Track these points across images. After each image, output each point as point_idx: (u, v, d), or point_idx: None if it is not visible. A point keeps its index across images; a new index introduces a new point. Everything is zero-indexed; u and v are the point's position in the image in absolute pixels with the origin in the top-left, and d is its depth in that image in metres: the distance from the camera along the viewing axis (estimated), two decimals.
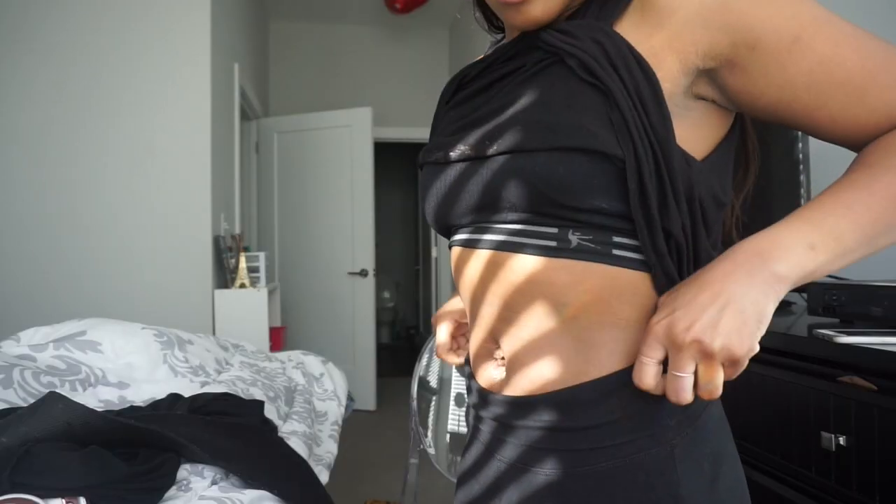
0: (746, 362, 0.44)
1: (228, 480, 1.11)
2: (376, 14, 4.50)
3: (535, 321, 0.53)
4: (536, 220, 0.52)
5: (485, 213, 0.55)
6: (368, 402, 3.92)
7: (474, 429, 0.63)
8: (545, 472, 0.53)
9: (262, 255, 3.03)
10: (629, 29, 0.51)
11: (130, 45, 2.64)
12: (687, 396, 0.44)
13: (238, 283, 2.80)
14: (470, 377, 0.64)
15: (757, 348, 0.43)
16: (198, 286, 2.70)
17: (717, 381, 0.43)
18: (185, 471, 1.10)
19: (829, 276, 1.32)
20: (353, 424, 3.32)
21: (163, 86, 2.67)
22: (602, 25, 0.51)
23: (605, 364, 0.51)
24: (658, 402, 0.49)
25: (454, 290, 0.70)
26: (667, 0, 0.49)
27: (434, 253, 4.88)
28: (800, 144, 1.24)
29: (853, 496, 0.84)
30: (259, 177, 4.17)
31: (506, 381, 0.57)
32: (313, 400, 1.94)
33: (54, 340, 1.60)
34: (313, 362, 2.22)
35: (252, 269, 2.96)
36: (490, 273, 0.56)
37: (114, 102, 2.63)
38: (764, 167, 1.42)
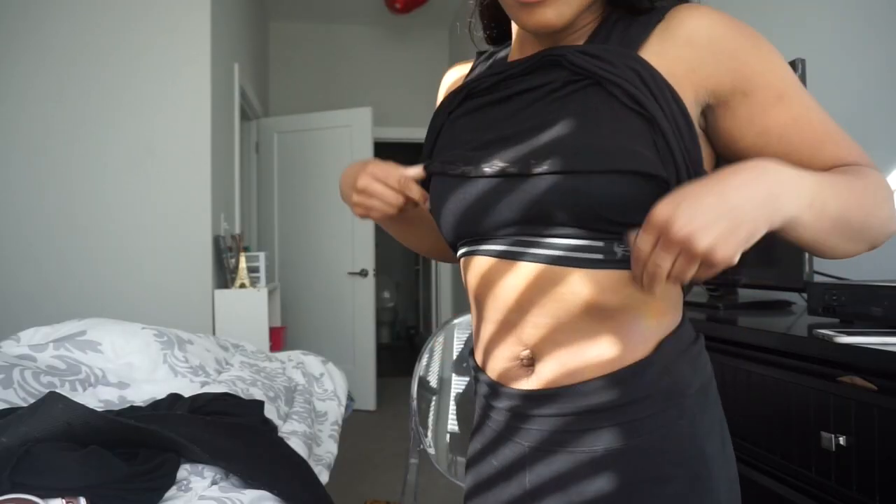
0: (719, 269, 0.47)
1: (228, 480, 1.11)
2: (376, 14, 4.49)
3: (574, 325, 0.58)
4: (585, 235, 0.56)
5: (527, 228, 0.58)
6: (368, 402, 3.92)
7: (485, 417, 0.68)
8: (583, 449, 0.59)
9: (262, 255, 3.03)
10: (653, 56, 0.56)
11: (130, 45, 2.64)
12: (659, 285, 0.48)
13: (238, 283, 2.80)
14: (476, 370, 0.70)
15: (735, 262, 0.47)
16: (198, 286, 2.70)
17: (687, 274, 0.47)
18: (185, 471, 1.10)
19: (830, 276, 1.32)
20: (353, 424, 3.32)
21: (163, 86, 2.67)
22: (633, 54, 0.56)
23: (638, 350, 0.58)
24: (681, 377, 0.59)
25: (465, 294, 0.71)
26: (688, 35, 0.57)
27: None
28: None
29: (853, 496, 0.84)
30: (259, 177, 4.17)
31: (533, 378, 0.61)
32: (313, 400, 1.94)
33: (54, 340, 1.60)
34: (313, 362, 2.22)
35: (252, 269, 2.96)
36: (533, 284, 0.59)
37: (114, 102, 2.63)
38: None
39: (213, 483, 1.10)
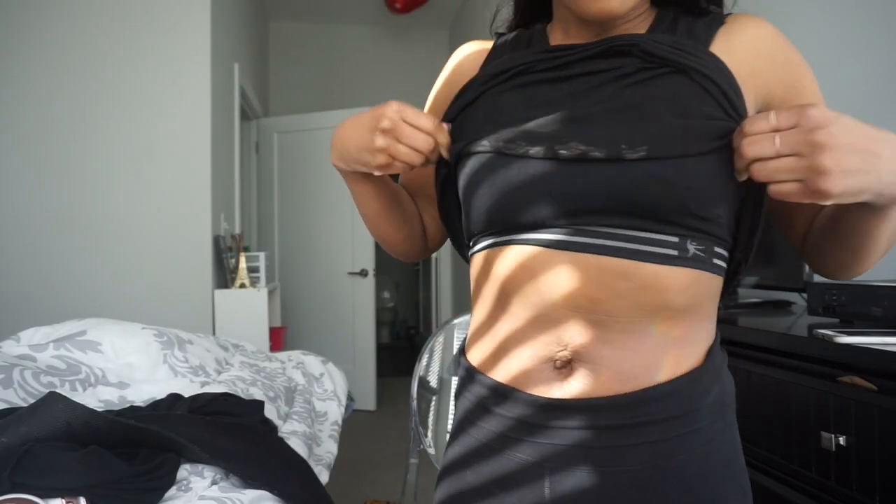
0: (816, 199, 0.47)
1: (228, 480, 1.11)
2: (376, 14, 4.49)
3: (632, 325, 0.53)
4: (659, 229, 0.53)
5: (596, 217, 0.53)
6: (368, 402, 3.92)
7: (471, 424, 0.62)
8: (622, 468, 0.54)
9: (262, 255, 3.03)
10: (721, 55, 0.57)
11: (130, 45, 2.64)
12: (761, 171, 0.48)
13: (238, 283, 2.80)
14: (472, 371, 0.63)
15: (834, 199, 0.46)
16: (198, 286, 2.70)
17: (789, 184, 0.47)
18: (185, 471, 1.10)
19: None
20: (353, 424, 3.32)
21: (163, 86, 2.67)
22: (709, 51, 0.57)
23: (693, 356, 0.56)
24: (726, 385, 0.60)
25: (468, 290, 0.66)
26: (753, 41, 0.58)
27: (434, 253, 4.88)
28: None
29: (853, 496, 0.84)
30: (259, 177, 4.17)
31: (569, 383, 0.55)
32: (313, 400, 1.94)
33: (54, 340, 1.60)
34: (313, 362, 2.22)
35: (252, 269, 2.96)
36: (592, 277, 0.53)
37: (114, 102, 2.63)
38: None
39: (213, 483, 1.10)
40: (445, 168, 0.65)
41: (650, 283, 0.53)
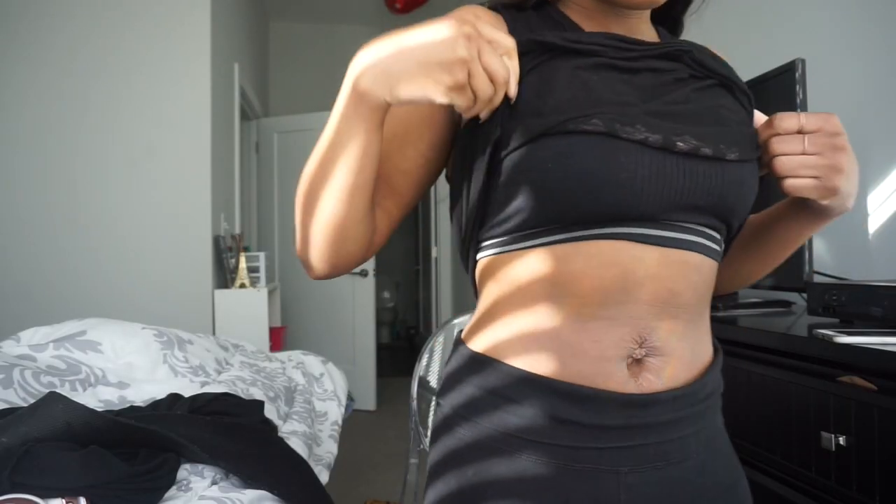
0: (825, 197, 0.56)
1: (228, 480, 1.11)
2: (376, 14, 4.49)
3: (693, 318, 0.57)
4: (718, 226, 0.57)
5: (687, 213, 0.54)
6: (368, 402, 3.92)
7: (530, 444, 0.54)
8: (687, 463, 0.55)
9: (262, 255, 3.03)
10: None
11: (130, 45, 2.64)
12: (803, 179, 0.55)
13: (238, 283, 2.80)
14: (532, 381, 0.54)
15: (840, 194, 0.56)
16: (198, 286, 2.70)
17: (812, 175, 0.55)
18: (185, 471, 1.10)
19: (830, 277, 1.32)
20: (353, 424, 3.32)
21: (163, 86, 2.67)
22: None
23: (711, 345, 0.60)
24: (721, 374, 0.61)
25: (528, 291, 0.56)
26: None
27: (434, 253, 4.88)
28: None
29: (853, 496, 0.84)
30: (259, 177, 4.17)
31: (647, 377, 0.54)
32: (313, 400, 1.94)
33: (54, 340, 1.60)
34: (313, 362, 2.22)
35: (252, 269, 2.96)
36: (679, 273, 0.54)
37: (114, 102, 2.63)
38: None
39: (213, 483, 1.10)
40: (499, 133, 0.52)
41: (710, 276, 0.58)
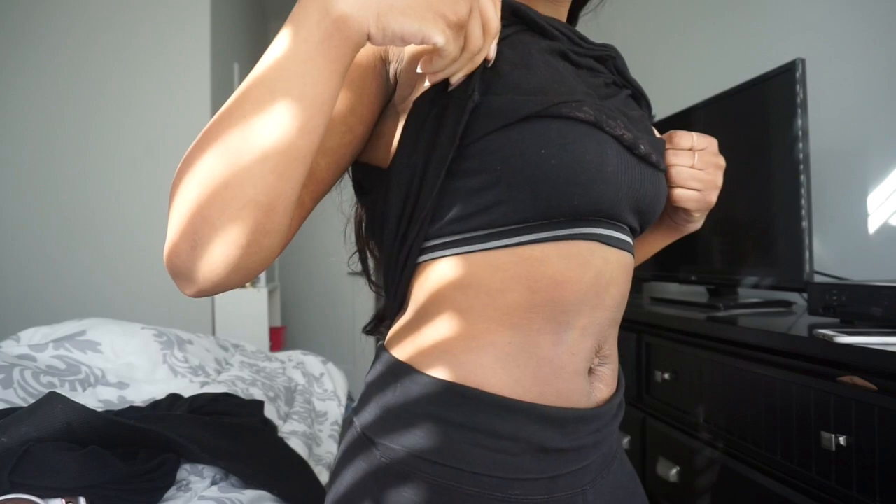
0: (709, 201, 0.64)
1: (228, 480, 1.11)
2: None
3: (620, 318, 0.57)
4: (637, 230, 0.58)
5: (632, 217, 0.52)
6: None
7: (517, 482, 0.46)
8: (619, 458, 0.57)
9: None
10: None
11: (130, 45, 2.64)
12: (689, 190, 0.61)
13: None
14: (517, 407, 0.46)
15: (711, 207, 0.65)
16: None
17: (696, 188, 0.62)
18: (184, 471, 1.10)
19: (830, 277, 1.32)
20: None
21: (163, 86, 2.67)
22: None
23: None
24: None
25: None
26: None
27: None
28: (800, 144, 1.24)
29: (853, 496, 0.84)
30: None
31: (598, 389, 0.52)
32: (313, 400, 1.94)
33: (54, 340, 1.60)
34: (313, 362, 2.22)
35: None
36: (623, 274, 0.52)
37: (113, 102, 2.63)
38: (764, 167, 1.42)
39: (213, 483, 1.10)
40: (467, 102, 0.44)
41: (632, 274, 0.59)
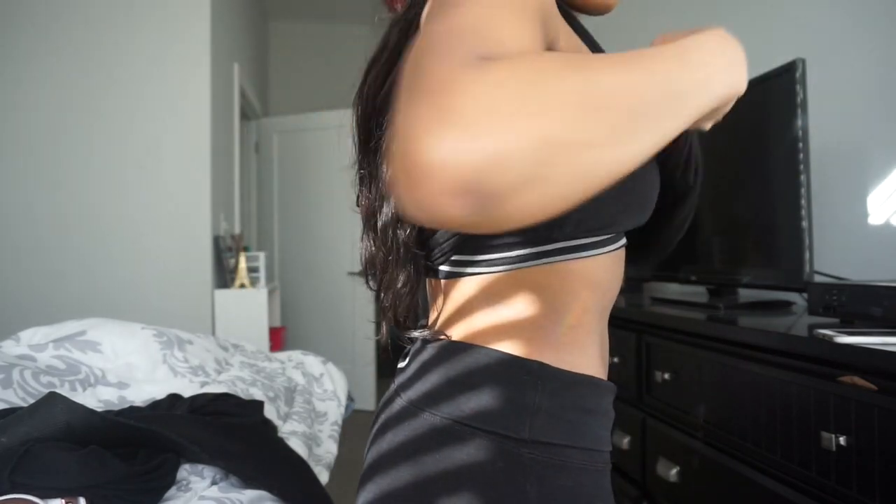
0: None
1: (228, 480, 1.11)
2: (376, 14, 4.49)
3: None
4: None
5: None
6: (368, 402, 3.91)
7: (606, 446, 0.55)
8: None
9: (261, 255, 3.03)
10: None
11: (130, 45, 2.64)
12: None
13: (238, 283, 2.80)
14: (601, 384, 0.55)
15: None
16: (198, 286, 2.70)
17: None
18: (184, 471, 1.10)
19: (830, 276, 1.32)
20: (353, 424, 3.32)
21: (163, 86, 2.67)
22: None
23: None
24: None
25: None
26: None
27: None
28: (800, 144, 1.24)
29: (853, 496, 0.84)
30: (259, 177, 4.17)
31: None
32: (313, 400, 1.94)
33: (54, 340, 1.60)
34: (313, 362, 2.22)
35: (252, 269, 2.96)
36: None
37: (113, 102, 2.63)
38: (764, 167, 1.42)
39: (213, 483, 1.10)
40: None
41: None
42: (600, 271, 0.53)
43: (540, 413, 0.49)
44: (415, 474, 0.49)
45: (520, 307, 0.51)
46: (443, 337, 0.53)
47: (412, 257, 0.54)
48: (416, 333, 0.56)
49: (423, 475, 0.48)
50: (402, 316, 0.57)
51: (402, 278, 0.54)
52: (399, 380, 0.58)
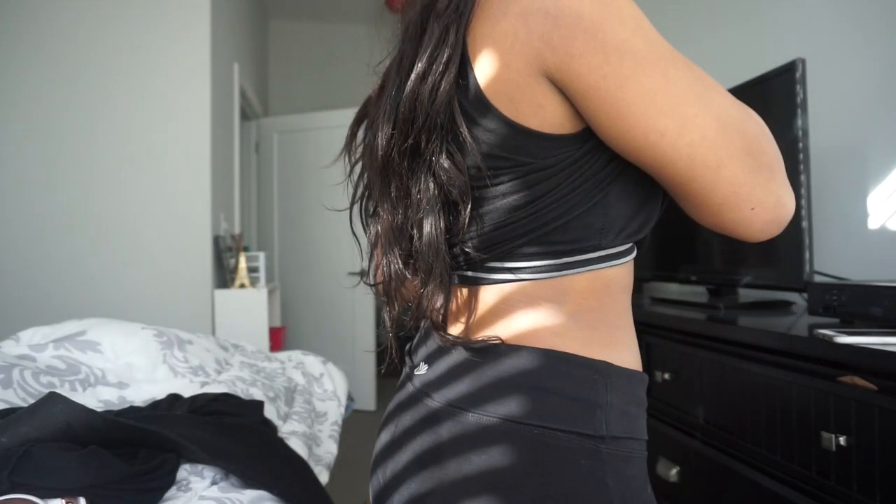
0: None
1: (228, 480, 1.11)
2: (376, 14, 4.49)
3: None
4: None
5: None
6: (368, 402, 3.91)
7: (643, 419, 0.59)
8: None
9: (261, 255, 3.03)
10: None
11: (130, 45, 2.64)
12: None
13: (238, 283, 2.80)
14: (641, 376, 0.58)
15: None
16: (198, 286, 2.70)
17: None
18: (184, 471, 1.10)
19: (830, 277, 1.32)
20: (353, 424, 3.32)
21: (163, 86, 2.67)
22: None
23: None
24: None
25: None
26: None
27: None
28: (800, 144, 1.24)
29: (853, 496, 0.84)
30: (259, 177, 4.17)
31: None
32: (313, 400, 1.94)
33: (54, 340, 1.60)
34: (313, 362, 2.22)
35: (252, 269, 2.96)
36: None
37: (113, 102, 2.63)
38: None
39: (213, 483, 1.10)
40: None
41: None
42: (628, 275, 0.56)
43: (612, 410, 0.51)
44: (473, 474, 0.49)
45: (570, 311, 0.52)
46: (496, 342, 0.53)
47: (448, 266, 0.55)
48: (458, 339, 0.55)
49: (490, 475, 0.49)
50: (442, 319, 0.56)
51: (446, 281, 0.54)
52: (422, 380, 0.58)
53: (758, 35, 1.75)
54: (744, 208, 0.47)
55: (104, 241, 2.62)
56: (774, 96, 1.32)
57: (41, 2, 2.56)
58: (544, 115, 0.47)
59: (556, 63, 0.45)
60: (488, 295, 0.55)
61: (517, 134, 0.48)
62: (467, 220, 0.51)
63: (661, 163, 0.47)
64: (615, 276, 0.54)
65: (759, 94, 1.37)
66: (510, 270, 0.53)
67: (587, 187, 0.50)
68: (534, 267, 0.52)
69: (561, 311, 0.52)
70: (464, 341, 0.54)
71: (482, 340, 0.53)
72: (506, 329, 0.53)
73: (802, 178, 1.24)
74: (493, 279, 0.54)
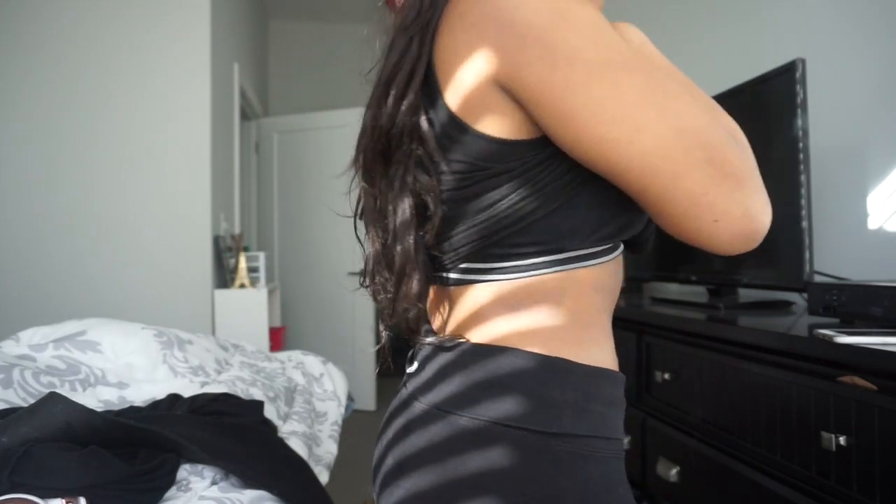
0: None
1: (228, 480, 1.11)
2: (376, 14, 4.49)
3: None
4: None
5: None
6: (368, 402, 3.91)
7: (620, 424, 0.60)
8: None
9: (261, 255, 3.03)
10: None
11: (130, 45, 2.64)
12: None
13: (238, 283, 2.80)
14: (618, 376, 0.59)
15: None
16: (198, 286, 2.70)
17: None
18: (184, 471, 1.10)
19: (830, 276, 1.32)
20: (353, 424, 3.32)
21: (163, 86, 2.67)
22: None
23: None
24: None
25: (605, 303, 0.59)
26: None
27: None
28: (800, 144, 1.24)
29: (853, 496, 0.84)
30: (259, 177, 4.17)
31: None
32: (313, 400, 1.94)
33: (54, 340, 1.60)
34: (313, 362, 2.22)
35: (252, 269, 2.96)
36: None
37: (113, 102, 2.63)
38: (764, 167, 1.41)
39: (213, 483, 1.10)
40: None
41: None
42: (606, 275, 0.56)
43: (568, 407, 0.51)
44: (447, 475, 0.51)
45: (540, 311, 0.53)
46: (462, 341, 0.54)
47: (423, 262, 0.56)
48: (431, 339, 0.57)
49: (457, 475, 0.50)
50: (413, 323, 0.58)
51: (416, 284, 0.56)
52: (413, 384, 0.59)
53: (758, 35, 1.75)
54: (705, 219, 0.45)
55: (104, 241, 2.62)
56: (774, 96, 1.32)
57: (41, 2, 2.56)
58: (503, 123, 0.49)
59: (507, 72, 0.47)
60: (465, 295, 0.56)
61: (478, 140, 0.50)
62: (437, 224, 0.53)
63: (615, 171, 0.47)
64: (587, 277, 0.55)
65: (759, 94, 1.37)
66: (481, 272, 0.55)
67: (548, 191, 0.50)
68: (502, 268, 0.54)
69: (532, 312, 0.53)
70: (439, 341, 0.56)
71: (450, 338, 0.55)
72: (480, 330, 0.54)
73: (802, 178, 1.24)
74: (470, 280, 0.56)
